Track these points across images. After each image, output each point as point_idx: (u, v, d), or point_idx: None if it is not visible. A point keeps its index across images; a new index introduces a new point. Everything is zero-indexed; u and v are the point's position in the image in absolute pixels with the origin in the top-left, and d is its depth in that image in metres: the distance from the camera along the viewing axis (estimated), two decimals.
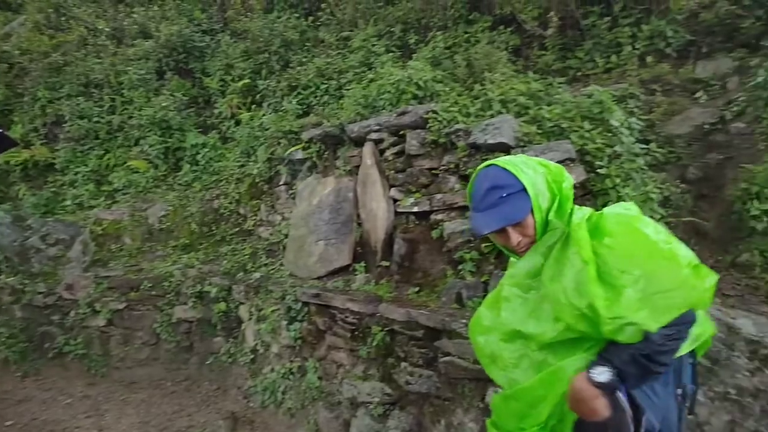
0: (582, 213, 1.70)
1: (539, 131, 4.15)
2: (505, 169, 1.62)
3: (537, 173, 1.64)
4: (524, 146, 4.04)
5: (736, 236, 3.60)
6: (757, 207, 3.41)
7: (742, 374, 2.67)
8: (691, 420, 2.71)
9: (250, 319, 5.39)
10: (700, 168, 4.12)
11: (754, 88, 4.19)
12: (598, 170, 3.74)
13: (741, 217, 3.57)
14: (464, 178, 4.29)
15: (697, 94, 4.89)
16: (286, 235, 5.60)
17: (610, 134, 4.09)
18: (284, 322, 4.87)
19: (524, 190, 1.60)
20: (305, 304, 4.80)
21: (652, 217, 3.56)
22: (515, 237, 1.65)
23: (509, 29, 6.12)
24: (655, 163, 4.29)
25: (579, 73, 5.60)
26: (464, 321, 3.51)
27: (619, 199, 3.57)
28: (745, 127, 4.16)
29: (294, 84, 6.85)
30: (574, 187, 3.74)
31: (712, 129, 4.38)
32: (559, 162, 3.80)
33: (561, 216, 1.66)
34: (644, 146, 4.32)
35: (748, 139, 4.06)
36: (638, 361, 1.48)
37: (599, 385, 1.48)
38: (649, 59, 5.33)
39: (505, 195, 1.58)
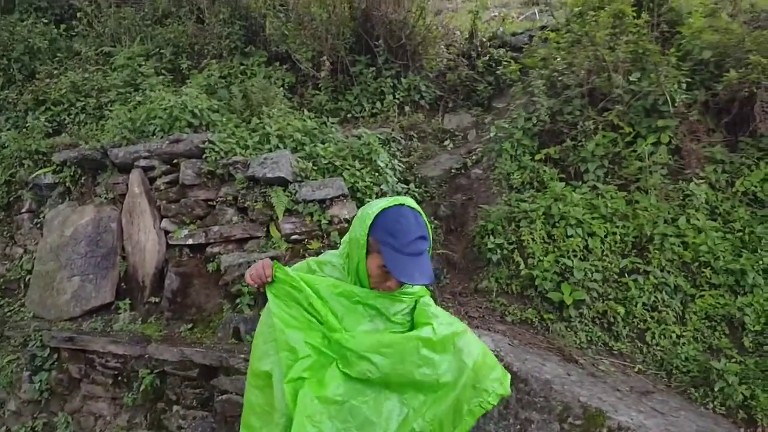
0: None
1: (315, 167, 4.38)
2: (425, 221, 1.72)
3: None
4: (301, 181, 4.22)
5: (478, 266, 4.27)
6: (492, 241, 4.11)
7: None
8: None
9: None
10: (448, 207, 4.79)
11: (488, 141, 5.07)
12: None
13: (480, 249, 4.24)
14: (242, 210, 4.29)
15: (446, 143, 5.71)
16: (30, 271, 4.84)
17: (377, 174, 4.53)
18: (26, 373, 4.18)
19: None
20: (54, 349, 4.21)
21: None
22: (398, 284, 1.74)
23: (285, 66, 6.33)
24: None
25: (349, 115, 6.06)
26: (243, 356, 3.47)
27: None
28: (482, 173, 4.98)
29: (42, 98, 6.02)
30: (346, 221, 4.01)
31: (457, 173, 5.14)
32: (334, 198, 4.09)
33: None
34: (405, 186, 4.87)
35: (484, 183, 4.87)
36: None
37: None
38: (407, 108, 6.05)
39: (427, 249, 1.69)
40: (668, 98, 4.17)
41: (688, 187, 4.05)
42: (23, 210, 5.18)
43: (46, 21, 7.24)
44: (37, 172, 5.04)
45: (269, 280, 1.82)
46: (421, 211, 1.72)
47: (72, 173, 4.97)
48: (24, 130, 5.55)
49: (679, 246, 3.86)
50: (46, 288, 4.66)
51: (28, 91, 6.09)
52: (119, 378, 3.90)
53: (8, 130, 5.70)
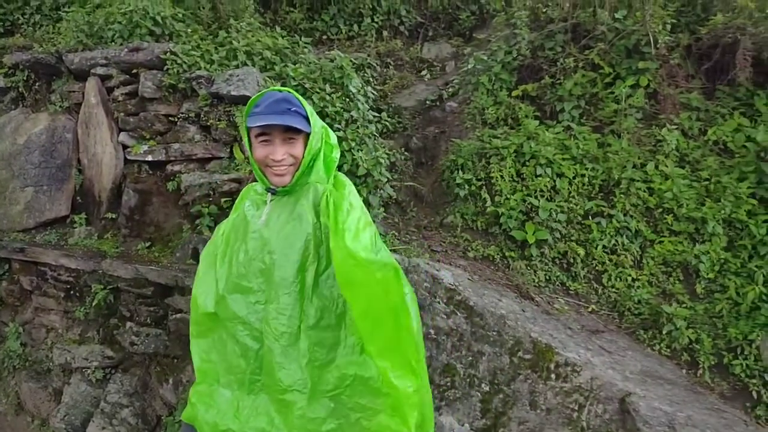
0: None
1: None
2: (296, 97, 1.74)
3: (319, 121, 1.79)
4: None
5: (445, 201, 4.21)
6: (461, 177, 4.03)
7: (440, 317, 3.18)
8: None
9: None
10: (420, 139, 4.68)
11: (465, 73, 4.90)
12: (336, 133, 3.95)
13: (449, 184, 4.18)
14: (205, 129, 4.11)
15: (423, 73, 5.52)
16: None
17: (348, 99, 4.35)
18: None
19: (307, 119, 1.72)
20: (5, 260, 4.08)
21: (380, 180, 3.94)
22: (281, 151, 1.70)
23: None
24: (385, 131, 4.73)
25: (324, 37, 5.78)
26: None
27: (354, 161, 3.84)
28: (457, 106, 4.84)
29: None
30: None
31: (432, 105, 5.00)
32: None
33: (327, 173, 1.83)
34: (377, 114, 4.72)
35: (459, 116, 4.74)
36: None
37: None
38: (385, 33, 5.79)
39: (292, 109, 1.68)
40: (651, 39, 4.04)
41: (660, 133, 4.00)
42: None
43: None
44: None
45: None
46: (298, 96, 1.74)
47: (25, 78, 4.66)
48: None
49: (644, 191, 3.85)
50: None
51: None
52: (72, 292, 3.83)
53: None
